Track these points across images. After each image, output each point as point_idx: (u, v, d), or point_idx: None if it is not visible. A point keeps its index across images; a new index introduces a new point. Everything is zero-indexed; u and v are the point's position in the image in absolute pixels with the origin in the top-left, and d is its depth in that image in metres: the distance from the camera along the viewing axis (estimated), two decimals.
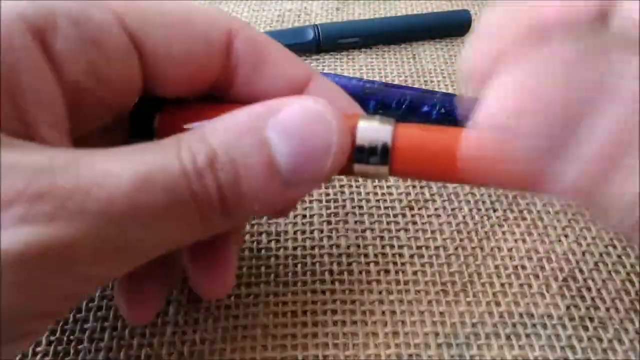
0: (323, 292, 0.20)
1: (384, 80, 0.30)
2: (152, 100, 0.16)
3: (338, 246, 0.21)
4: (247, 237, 0.22)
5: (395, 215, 0.22)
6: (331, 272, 0.20)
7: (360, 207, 0.23)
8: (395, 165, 0.14)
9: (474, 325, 0.19)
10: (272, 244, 0.21)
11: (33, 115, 0.12)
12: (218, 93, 0.17)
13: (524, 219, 0.22)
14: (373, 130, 0.14)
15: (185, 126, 0.15)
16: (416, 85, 0.30)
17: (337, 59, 0.33)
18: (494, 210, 0.23)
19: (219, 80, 0.16)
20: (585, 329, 0.18)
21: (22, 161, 0.11)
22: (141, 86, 0.15)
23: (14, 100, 0.12)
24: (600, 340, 0.18)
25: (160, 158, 0.12)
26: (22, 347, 0.14)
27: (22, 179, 0.11)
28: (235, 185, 0.12)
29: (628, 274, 0.20)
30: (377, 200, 0.23)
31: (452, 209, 0.23)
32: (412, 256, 0.21)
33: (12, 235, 0.10)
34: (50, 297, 0.12)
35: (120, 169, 0.11)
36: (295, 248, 0.21)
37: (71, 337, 0.18)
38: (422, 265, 0.20)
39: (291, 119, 0.13)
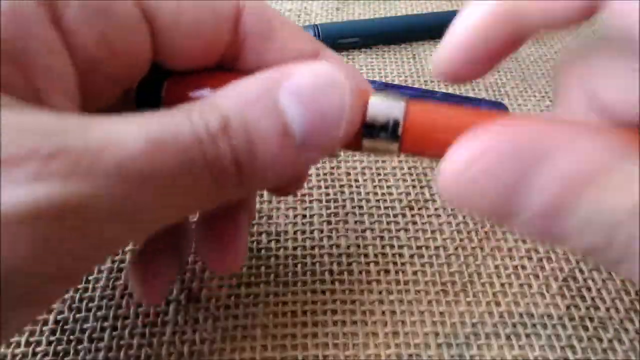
0: (323, 292, 0.20)
1: (384, 80, 0.30)
2: (159, 71, 0.16)
3: (338, 246, 0.21)
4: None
5: (395, 215, 0.22)
6: (331, 272, 0.20)
7: (360, 207, 0.23)
8: (405, 143, 0.14)
9: (474, 325, 0.19)
10: (272, 244, 0.21)
11: (43, 83, 0.12)
12: (226, 66, 0.16)
13: None
14: (385, 105, 0.14)
15: (192, 94, 0.15)
16: (416, 85, 0.30)
17: None
18: None
19: (227, 53, 0.16)
20: (585, 329, 0.18)
21: (34, 122, 0.11)
22: (150, 58, 0.15)
23: (24, 67, 0.12)
24: (600, 340, 0.18)
25: (172, 123, 0.12)
26: (36, 313, 0.14)
27: (35, 138, 0.10)
28: (249, 150, 0.12)
29: None
30: (377, 200, 0.23)
31: (452, 209, 0.23)
32: (412, 256, 0.21)
33: (27, 191, 0.10)
34: (64, 257, 0.11)
35: (132, 131, 0.11)
36: (295, 248, 0.21)
37: (71, 337, 0.18)
38: (422, 265, 0.20)
39: (304, 83, 0.13)
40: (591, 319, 0.19)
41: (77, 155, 0.10)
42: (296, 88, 0.13)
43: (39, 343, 0.18)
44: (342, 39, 0.33)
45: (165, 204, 0.12)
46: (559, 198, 0.10)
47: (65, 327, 0.19)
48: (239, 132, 0.12)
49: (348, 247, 0.21)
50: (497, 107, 0.26)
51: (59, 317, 0.19)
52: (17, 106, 0.11)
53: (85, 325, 0.19)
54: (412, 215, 0.22)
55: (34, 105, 0.12)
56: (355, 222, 0.22)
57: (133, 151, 0.11)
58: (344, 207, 0.23)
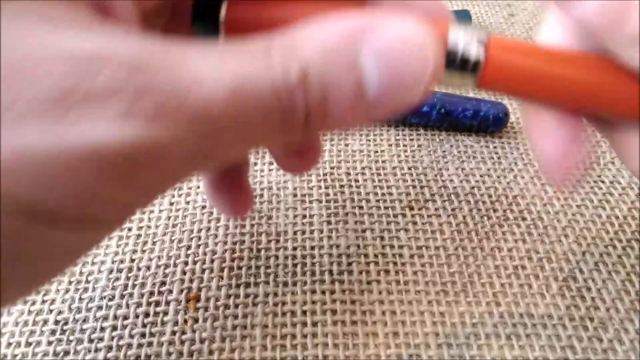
0: (323, 292, 0.20)
1: None
2: None
3: (338, 246, 0.21)
4: (247, 237, 0.22)
5: (395, 215, 0.22)
6: (331, 272, 0.20)
7: (360, 207, 0.23)
8: (484, 78, 0.14)
9: (474, 325, 0.19)
10: (272, 244, 0.21)
11: None
12: None
13: (524, 219, 0.22)
14: (466, 38, 0.14)
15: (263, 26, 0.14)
16: None
17: None
18: (494, 210, 0.23)
19: None
20: (585, 329, 0.18)
21: (117, 53, 0.11)
22: None
23: None
24: (600, 340, 0.18)
25: (252, 67, 0.12)
26: (112, 229, 0.14)
27: (121, 73, 0.10)
28: (322, 106, 0.12)
29: (628, 274, 0.20)
30: (377, 200, 0.23)
31: (452, 209, 0.23)
32: (412, 256, 0.21)
33: (114, 129, 0.10)
34: (139, 190, 0.12)
35: (217, 73, 0.11)
36: (295, 248, 0.21)
37: (71, 337, 0.18)
38: (422, 265, 0.20)
39: (388, 46, 0.12)
40: (591, 319, 0.19)
41: (164, 97, 0.10)
42: (379, 47, 0.12)
43: (39, 343, 0.18)
44: None
45: (237, 145, 0.13)
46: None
47: (65, 327, 0.19)
48: (316, 87, 0.12)
49: (348, 247, 0.21)
50: (497, 107, 0.26)
51: (58, 317, 0.19)
52: (93, 29, 0.11)
53: (85, 325, 0.19)
54: (412, 215, 0.22)
55: (102, 22, 0.11)
56: (355, 222, 0.22)
57: (216, 97, 0.11)
58: (344, 207, 0.23)
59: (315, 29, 0.12)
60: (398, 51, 0.12)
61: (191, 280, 0.20)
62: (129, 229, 0.22)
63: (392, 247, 0.21)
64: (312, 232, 0.22)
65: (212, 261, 0.21)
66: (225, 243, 0.21)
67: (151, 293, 0.20)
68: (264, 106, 0.12)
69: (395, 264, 0.20)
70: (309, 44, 0.12)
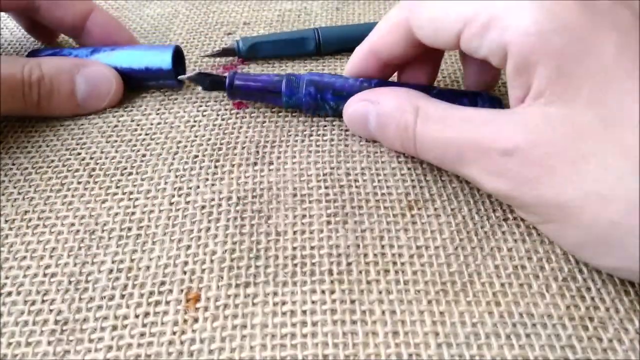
0: (323, 292, 0.20)
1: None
2: None
3: (338, 246, 0.21)
4: (247, 237, 0.22)
5: (395, 216, 0.22)
6: (331, 272, 0.20)
7: (360, 207, 0.23)
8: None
9: (474, 325, 0.19)
10: (272, 244, 0.21)
11: None
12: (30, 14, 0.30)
13: (523, 219, 0.22)
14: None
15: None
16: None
17: (337, 59, 0.33)
18: (494, 210, 0.23)
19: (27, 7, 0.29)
20: (585, 329, 0.18)
21: None
22: None
23: None
24: (600, 340, 0.18)
25: (9, 68, 0.25)
26: None
27: None
28: (49, 93, 0.26)
29: None
30: (377, 201, 0.23)
31: (452, 209, 0.23)
32: (411, 256, 0.21)
33: None
34: None
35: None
36: (295, 248, 0.21)
37: (71, 337, 0.18)
38: (422, 265, 0.20)
39: (90, 74, 0.27)
40: (591, 319, 0.19)
41: None
42: (87, 73, 0.27)
43: (39, 343, 0.18)
44: (341, 44, 0.33)
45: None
46: (378, 125, 0.24)
47: (65, 327, 0.19)
48: (47, 86, 0.26)
49: (348, 247, 0.21)
50: (493, 102, 0.26)
51: (58, 317, 0.19)
52: None
53: (85, 325, 0.19)
54: (412, 216, 0.22)
55: None
56: (355, 222, 0.22)
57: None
58: (343, 207, 0.23)
59: (52, 58, 0.27)
60: (94, 77, 0.27)
61: (191, 280, 0.20)
62: (129, 229, 0.22)
63: (391, 247, 0.21)
64: (312, 232, 0.22)
65: (212, 261, 0.21)
66: (225, 243, 0.21)
67: (151, 293, 0.20)
68: (10, 87, 0.25)
69: (395, 264, 0.20)
70: (49, 63, 0.26)
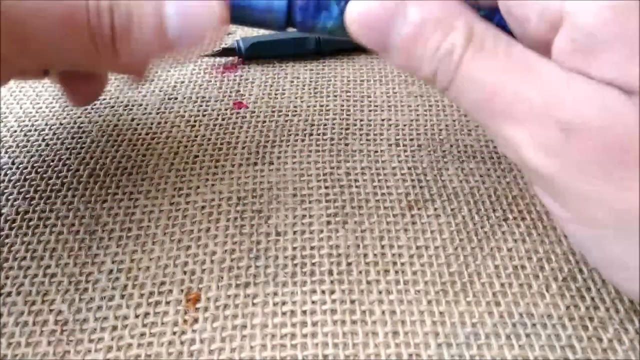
0: (322, 292, 0.20)
1: (384, 81, 0.30)
2: None
3: (337, 247, 0.21)
4: (246, 237, 0.22)
5: (395, 216, 0.22)
6: (330, 272, 0.20)
7: (360, 207, 0.23)
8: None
9: (474, 325, 0.19)
10: (272, 245, 0.21)
11: None
12: None
13: (523, 219, 0.22)
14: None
15: None
16: (416, 86, 0.30)
17: (337, 59, 0.33)
18: (494, 210, 0.23)
19: None
20: (585, 329, 0.18)
21: None
22: None
23: None
24: (600, 340, 0.18)
25: (67, 4, 0.16)
26: None
27: None
28: (127, 34, 0.16)
29: None
30: (377, 201, 0.23)
31: (452, 209, 0.23)
32: (411, 256, 0.21)
33: None
34: None
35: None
36: (294, 249, 0.21)
37: (71, 337, 0.18)
38: (422, 265, 0.20)
39: (185, 2, 0.17)
40: (591, 319, 0.19)
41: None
42: (178, 2, 0.17)
43: (39, 343, 0.18)
44: (341, 44, 0.33)
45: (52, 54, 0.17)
46: (409, 36, 0.16)
47: (65, 327, 0.19)
48: (121, 13, 0.16)
49: (348, 247, 0.21)
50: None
51: (58, 317, 0.19)
52: None
53: (85, 326, 0.19)
54: (412, 216, 0.22)
55: None
56: (355, 222, 0.22)
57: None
58: (343, 207, 0.23)
59: None
60: (191, 6, 0.17)
61: (191, 281, 0.20)
62: (129, 229, 0.22)
63: (391, 247, 0.21)
64: (312, 232, 0.22)
65: (212, 261, 0.21)
66: (225, 244, 0.21)
67: (151, 293, 0.20)
68: (80, 26, 0.16)
69: (395, 264, 0.20)
70: None
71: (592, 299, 0.19)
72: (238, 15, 0.19)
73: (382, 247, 0.21)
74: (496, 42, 0.16)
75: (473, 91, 0.16)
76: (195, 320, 0.19)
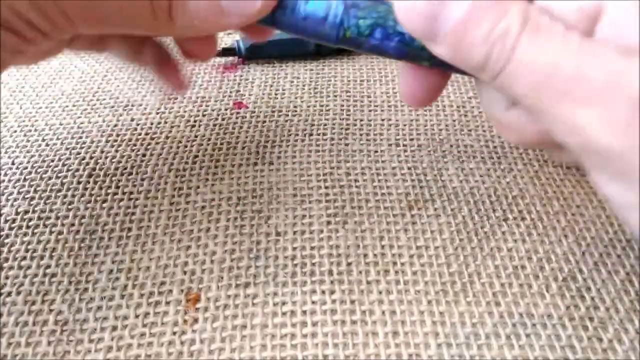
0: (323, 292, 0.20)
1: (384, 81, 0.30)
2: None
3: (337, 247, 0.21)
4: (246, 237, 0.22)
5: (395, 216, 0.22)
6: (330, 272, 0.20)
7: (360, 207, 0.23)
8: None
9: (474, 325, 0.19)
10: (272, 245, 0.21)
11: None
12: None
13: (523, 219, 0.22)
14: None
15: None
16: None
17: (337, 59, 0.33)
18: (494, 210, 0.23)
19: None
20: (585, 329, 0.18)
21: None
22: None
23: None
24: (600, 340, 0.18)
25: None
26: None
27: None
28: (182, 2, 0.17)
29: (628, 274, 0.20)
30: (377, 201, 0.23)
31: (452, 209, 0.23)
32: (411, 256, 0.21)
33: None
34: None
35: None
36: (294, 249, 0.21)
37: (71, 337, 0.18)
38: (422, 265, 0.20)
39: None
40: (591, 319, 0.19)
41: None
42: None
43: (39, 343, 0.18)
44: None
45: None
46: (461, 20, 0.15)
47: (65, 327, 0.19)
48: None
49: (347, 247, 0.21)
50: None
51: (59, 317, 0.19)
52: None
53: (85, 326, 0.19)
54: (412, 216, 0.22)
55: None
56: (355, 222, 0.22)
57: None
58: (343, 207, 0.23)
59: None
60: None
61: (191, 281, 0.20)
62: (129, 229, 0.22)
63: (391, 247, 0.21)
64: (311, 232, 0.22)
65: (212, 262, 0.21)
66: (225, 244, 0.21)
67: (151, 293, 0.20)
68: None
69: (395, 264, 0.20)
70: None
71: (592, 299, 0.19)
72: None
73: (382, 247, 0.21)
74: (552, 24, 0.15)
75: (530, 74, 0.15)
76: (195, 320, 0.19)
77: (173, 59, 0.23)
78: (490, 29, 0.15)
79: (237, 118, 0.28)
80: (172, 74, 0.23)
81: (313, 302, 0.19)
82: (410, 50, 0.17)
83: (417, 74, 0.19)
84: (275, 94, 0.30)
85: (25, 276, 0.20)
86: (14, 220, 0.22)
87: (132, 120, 0.28)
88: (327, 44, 0.18)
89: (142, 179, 0.24)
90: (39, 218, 0.22)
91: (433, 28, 0.16)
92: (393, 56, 0.18)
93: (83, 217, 0.22)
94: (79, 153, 0.26)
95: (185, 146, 0.26)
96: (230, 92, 0.30)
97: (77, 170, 0.25)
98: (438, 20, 0.16)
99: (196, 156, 0.26)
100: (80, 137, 0.27)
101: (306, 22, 0.17)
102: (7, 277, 0.20)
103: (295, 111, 0.28)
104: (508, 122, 0.18)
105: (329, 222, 0.22)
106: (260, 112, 0.28)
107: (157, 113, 0.28)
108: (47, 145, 0.26)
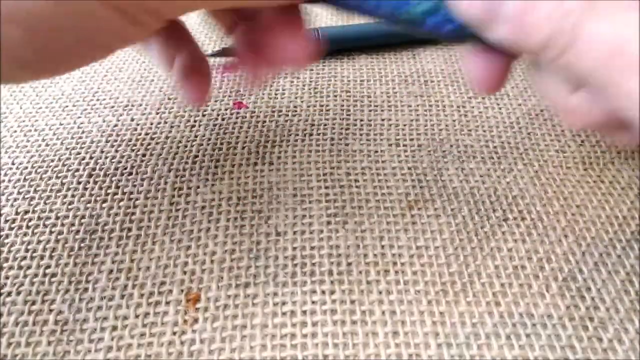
0: (323, 292, 0.20)
1: (384, 81, 0.30)
2: None
3: (338, 247, 0.21)
4: (246, 237, 0.22)
5: (395, 216, 0.22)
6: (330, 272, 0.20)
7: (360, 207, 0.23)
8: None
9: (474, 325, 0.19)
10: (272, 245, 0.21)
11: None
12: None
13: (523, 219, 0.22)
14: None
15: None
16: (416, 85, 0.30)
17: (337, 59, 0.33)
18: (494, 211, 0.23)
19: None
20: (585, 329, 0.18)
21: None
22: None
23: None
24: (600, 340, 0.18)
25: None
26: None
27: None
28: None
29: (628, 274, 0.20)
30: (377, 201, 0.23)
31: (452, 209, 0.23)
32: (411, 257, 0.21)
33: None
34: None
35: None
36: (294, 249, 0.21)
37: (71, 337, 0.18)
38: (422, 265, 0.20)
39: None
40: (591, 319, 0.19)
41: None
42: None
43: (39, 343, 0.18)
44: (343, 44, 0.33)
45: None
46: (517, 6, 0.15)
47: (65, 327, 0.19)
48: None
49: (347, 247, 0.21)
50: None
51: (58, 317, 0.19)
52: None
53: (85, 326, 0.19)
54: (412, 216, 0.22)
55: None
56: (355, 222, 0.22)
57: None
58: (343, 207, 0.23)
59: None
60: None
61: (191, 281, 0.20)
62: (129, 229, 0.22)
63: (391, 247, 0.21)
64: (311, 232, 0.22)
65: (212, 262, 0.21)
66: (225, 244, 0.21)
67: (151, 293, 0.20)
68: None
69: (395, 264, 0.20)
70: None
71: (592, 299, 0.19)
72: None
73: (382, 247, 0.21)
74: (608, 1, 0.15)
75: (598, 49, 0.15)
76: (195, 320, 0.19)
77: (205, 71, 0.23)
78: (554, 7, 0.15)
79: (237, 118, 0.28)
80: (198, 87, 0.23)
81: (313, 302, 0.19)
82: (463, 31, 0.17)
83: (489, 59, 0.19)
84: (275, 94, 0.30)
85: (25, 276, 0.20)
86: (14, 220, 0.22)
87: (132, 120, 0.28)
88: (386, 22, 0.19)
89: (142, 179, 0.24)
90: (39, 218, 0.22)
91: (494, 11, 0.16)
92: (443, 37, 0.18)
93: (83, 217, 0.22)
94: (79, 153, 0.26)
95: (185, 146, 0.26)
96: (230, 92, 0.30)
97: (77, 170, 0.25)
98: (501, 3, 0.16)
99: (196, 156, 0.26)
100: (80, 137, 0.27)
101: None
102: (7, 277, 0.20)
103: (295, 111, 0.28)
104: (573, 106, 0.17)
105: (329, 222, 0.22)
106: (260, 112, 0.28)
107: (157, 113, 0.28)
108: (47, 145, 0.26)
